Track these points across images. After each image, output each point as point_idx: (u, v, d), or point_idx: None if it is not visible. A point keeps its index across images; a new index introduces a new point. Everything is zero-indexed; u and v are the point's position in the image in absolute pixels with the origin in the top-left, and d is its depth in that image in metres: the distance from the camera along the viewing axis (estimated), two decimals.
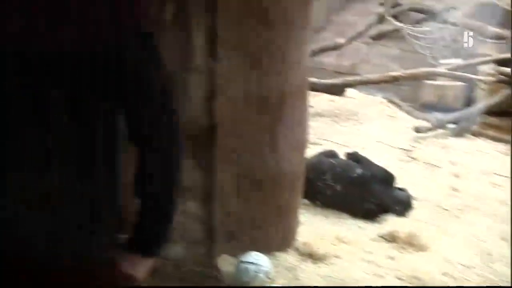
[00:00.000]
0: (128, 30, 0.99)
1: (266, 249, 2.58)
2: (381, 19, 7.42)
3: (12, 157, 0.96)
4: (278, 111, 2.53)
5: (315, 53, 5.90)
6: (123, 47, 0.99)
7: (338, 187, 3.24)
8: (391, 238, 2.93)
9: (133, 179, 1.07)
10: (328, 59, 7.02)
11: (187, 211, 2.25)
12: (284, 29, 2.50)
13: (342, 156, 3.62)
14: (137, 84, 1.02)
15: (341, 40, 6.72)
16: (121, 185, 1.08)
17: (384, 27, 7.26)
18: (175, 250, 2.26)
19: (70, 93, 0.96)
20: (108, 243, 1.08)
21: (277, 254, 2.66)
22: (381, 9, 7.59)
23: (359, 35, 7.07)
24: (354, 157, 3.53)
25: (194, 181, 2.27)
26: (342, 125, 5.50)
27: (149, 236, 1.10)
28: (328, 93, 5.91)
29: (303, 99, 2.68)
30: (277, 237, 2.71)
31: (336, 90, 5.97)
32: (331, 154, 3.58)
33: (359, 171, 3.30)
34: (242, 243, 2.56)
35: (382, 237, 2.98)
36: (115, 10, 0.98)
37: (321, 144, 4.30)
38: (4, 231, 0.98)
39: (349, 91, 6.17)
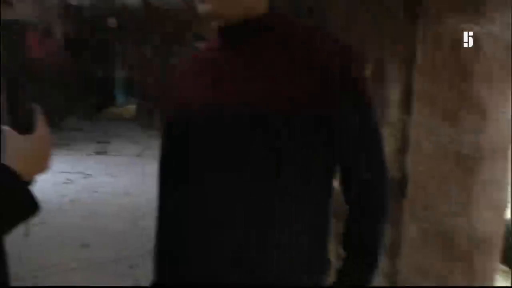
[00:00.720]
0: (350, 92, 1.08)
1: None
2: None
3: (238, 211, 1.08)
4: (475, 169, 2.41)
5: None
6: (346, 109, 1.07)
7: None
8: None
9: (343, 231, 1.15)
10: None
11: None
12: (484, 83, 2.40)
13: None
14: (358, 145, 1.11)
15: None
16: (331, 236, 1.16)
17: None
18: None
19: (296, 154, 1.06)
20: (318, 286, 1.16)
21: None
22: None
23: None
24: None
25: None
26: None
27: (354, 285, 1.14)
28: None
29: (504, 157, 2.51)
30: None
31: None
32: None
33: None
34: None
35: None
36: (340, 75, 1.06)
37: None
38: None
39: None
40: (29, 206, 0.83)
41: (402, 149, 2.29)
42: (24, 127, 0.90)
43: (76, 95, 9.34)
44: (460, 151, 2.39)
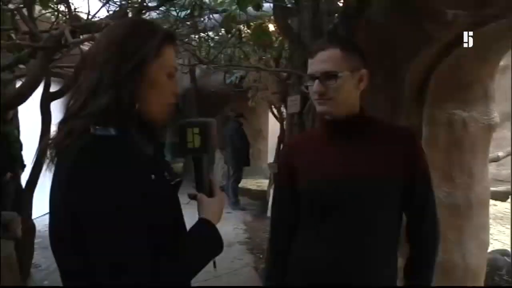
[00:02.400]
0: (418, 166, 1.24)
1: None
2: None
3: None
4: (465, 215, 2.51)
5: None
6: (415, 178, 1.23)
7: None
8: None
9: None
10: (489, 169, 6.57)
11: None
12: (471, 153, 2.53)
13: None
14: (421, 203, 1.27)
15: (501, 153, 6.29)
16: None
17: None
18: None
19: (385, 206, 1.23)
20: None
21: None
22: None
23: None
24: None
25: None
26: (507, 227, 5.05)
27: (420, 277, 1.27)
28: (492, 198, 5.52)
29: (486, 207, 2.62)
30: None
31: (500, 196, 5.54)
32: (505, 253, 3.33)
33: None
34: None
35: None
36: (411, 155, 1.24)
37: (491, 243, 4.00)
38: None
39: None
40: (220, 246, 0.95)
41: None
42: (208, 192, 1.00)
43: None
44: (454, 202, 2.49)
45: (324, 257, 1.24)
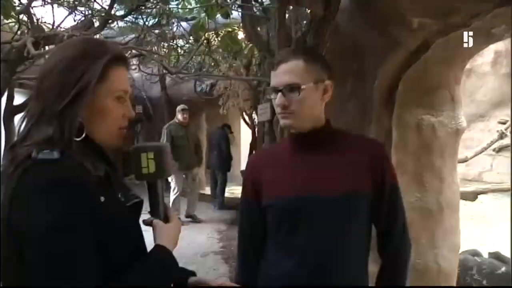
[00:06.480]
0: (385, 177, 1.23)
1: None
2: (501, 135, 7.04)
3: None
4: (437, 218, 2.55)
5: None
6: (382, 189, 1.22)
7: (484, 282, 3.06)
8: None
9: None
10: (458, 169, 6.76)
11: None
12: (439, 156, 2.58)
13: (484, 254, 3.42)
14: (390, 213, 1.25)
15: (469, 154, 6.47)
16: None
17: (505, 141, 6.86)
18: None
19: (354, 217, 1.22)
20: None
21: None
22: (502, 127, 7.23)
23: (484, 149, 6.75)
24: (497, 256, 3.32)
25: None
26: (477, 227, 5.18)
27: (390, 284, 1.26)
28: (461, 199, 5.66)
29: (456, 210, 2.66)
30: None
31: (469, 196, 5.68)
32: (475, 253, 3.41)
33: (503, 269, 3.09)
34: None
35: None
36: (379, 166, 1.23)
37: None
38: None
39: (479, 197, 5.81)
40: (177, 272, 0.92)
41: None
42: (164, 218, 0.98)
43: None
44: (425, 206, 2.53)
45: (294, 272, 1.21)
